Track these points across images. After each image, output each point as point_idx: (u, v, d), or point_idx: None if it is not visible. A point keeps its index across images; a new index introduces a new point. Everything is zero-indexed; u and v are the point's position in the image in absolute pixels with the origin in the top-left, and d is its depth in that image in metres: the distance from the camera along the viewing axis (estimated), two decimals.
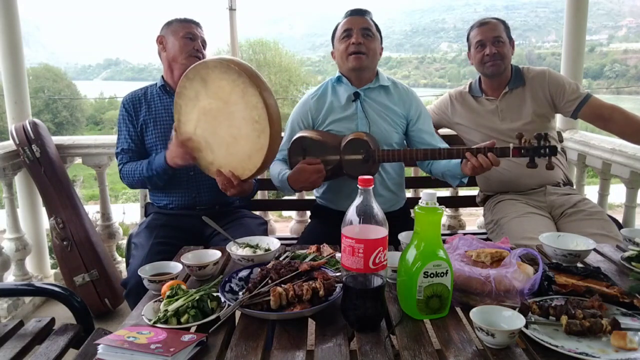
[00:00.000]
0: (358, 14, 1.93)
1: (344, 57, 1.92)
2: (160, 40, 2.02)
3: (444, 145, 1.95)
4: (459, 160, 1.80)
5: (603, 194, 2.53)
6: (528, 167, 1.70)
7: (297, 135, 1.92)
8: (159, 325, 1.07)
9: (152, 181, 1.92)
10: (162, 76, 2.08)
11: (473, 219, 3.87)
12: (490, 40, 2.08)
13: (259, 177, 2.14)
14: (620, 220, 2.26)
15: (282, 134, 1.98)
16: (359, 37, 1.87)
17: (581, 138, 2.65)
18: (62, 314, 1.69)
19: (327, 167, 1.82)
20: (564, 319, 1.03)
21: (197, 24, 2.02)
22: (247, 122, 1.61)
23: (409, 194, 2.62)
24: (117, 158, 2.03)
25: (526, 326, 1.00)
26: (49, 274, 2.94)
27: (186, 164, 1.79)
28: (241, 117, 1.61)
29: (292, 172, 1.83)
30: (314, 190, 2.14)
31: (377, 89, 1.97)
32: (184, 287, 1.18)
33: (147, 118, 2.00)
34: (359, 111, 1.93)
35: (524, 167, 2.13)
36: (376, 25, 1.96)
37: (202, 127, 1.70)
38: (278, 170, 1.92)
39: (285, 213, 7.26)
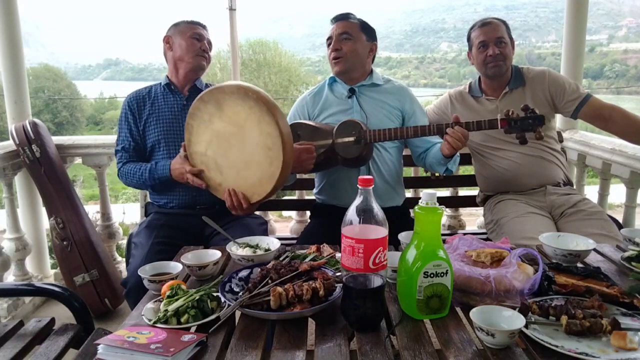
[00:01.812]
0: (338, 20, 2.01)
1: (330, 64, 2.02)
2: (167, 40, 2.06)
3: (438, 142, 1.97)
4: (439, 146, 1.87)
5: (603, 194, 2.53)
6: (520, 143, 1.78)
7: (291, 122, 1.98)
8: (159, 325, 1.07)
9: (154, 188, 1.99)
10: (167, 75, 2.10)
11: (473, 219, 3.87)
12: (493, 41, 2.08)
13: None
14: (620, 220, 2.26)
15: None
16: (336, 43, 1.97)
17: (581, 138, 2.65)
18: (62, 314, 1.69)
19: (321, 150, 1.87)
20: (564, 319, 1.03)
21: (203, 26, 2.07)
22: (260, 149, 1.63)
23: (409, 194, 2.62)
24: (116, 156, 2.05)
25: (526, 326, 1.00)
26: (49, 274, 2.94)
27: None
28: (255, 143, 1.64)
29: None
30: (313, 188, 2.15)
31: (371, 86, 2.03)
32: (184, 287, 1.18)
33: (150, 115, 2.02)
34: (355, 105, 1.99)
35: (524, 167, 2.13)
36: (363, 25, 2.01)
37: (213, 149, 1.73)
38: None
39: (285, 213, 7.24)
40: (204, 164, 1.76)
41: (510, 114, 1.76)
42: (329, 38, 2.00)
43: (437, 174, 2.27)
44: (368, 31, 2.01)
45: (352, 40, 1.96)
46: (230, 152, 1.70)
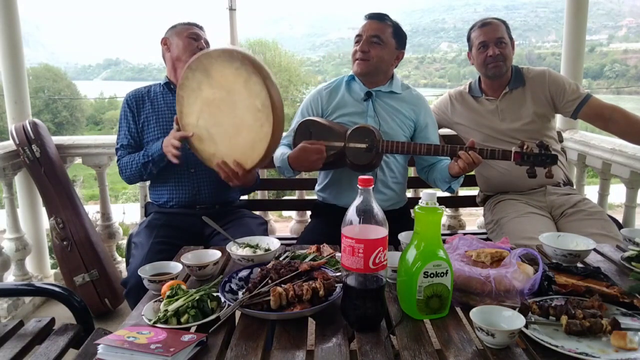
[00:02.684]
0: (373, 19, 1.94)
1: (352, 61, 1.97)
2: (165, 42, 2.07)
3: (445, 159, 1.96)
4: (447, 163, 1.85)
5: (603, 194, 2.53)
6: (529, 176, 1.75)
7: (305, 118, 1.95)
8: (159, 325, 1.07)
9: (147, 168, 1.93)
10: (167, 75, 2.11)
11: (473, 219, 3.87)
12: (493, 42, 2.08)
13: (260, 174, 2.16)
14: (620, 220, 2.26)
15: (290, 125, 2.03)
16: (364, 45, 1.91)
17: (581, 138, 2.65)
18: (62, 314, 1.69)
19: (331, 152, 1.84)
20: (564, 319, 1.03)
21: (200, 27, 2.09)
22: (250, 111, 1.61)
23: (409, 194, 2.61)
24: (116, 154, 2.06)
25: (526, 326, 1.00)
26: (49, 274, 2.94)
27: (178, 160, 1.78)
28: (244, 106, 1.61)
29: (293, 151, 1.86)
30: (315, 186, 2.15)
31: (389, 93, 1.99)
32: (184, 287, 1.18)
33: (149, 115, 2.03)
34: (370, 109, 1.96)
35: (524, 167, 2.14)
36: (397, 30, 1.95)
37: (204, 119, 1.71)
38: (281, 152, 1.96)
39: (285, 213, 7.25)
40: (196, 135, 1.74)
41: (525, 148, 1.74)
42: (358, 35, 1.94)
43: None
44: (399, 38, 1.96)
45: (381, 46, 1.91)
46: (221, 119, 1.67)
